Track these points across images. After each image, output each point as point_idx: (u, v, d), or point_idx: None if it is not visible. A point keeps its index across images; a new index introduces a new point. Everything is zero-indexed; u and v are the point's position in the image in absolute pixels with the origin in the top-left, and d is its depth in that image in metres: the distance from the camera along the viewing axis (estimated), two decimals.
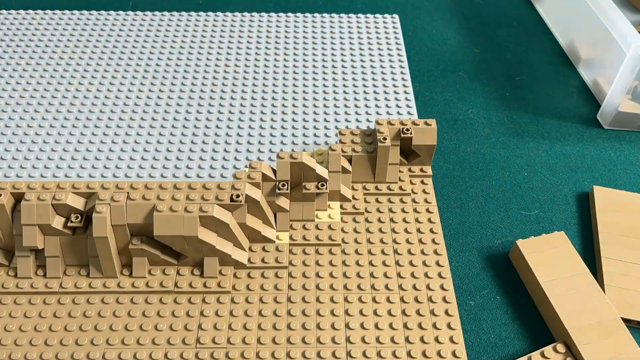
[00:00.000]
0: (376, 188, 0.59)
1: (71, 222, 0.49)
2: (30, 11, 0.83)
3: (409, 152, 0.61)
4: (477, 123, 0.70)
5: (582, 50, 0.78)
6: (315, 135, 0.66)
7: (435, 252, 0.54)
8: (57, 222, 0.49)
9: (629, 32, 0.66)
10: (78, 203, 0.49)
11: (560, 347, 0.47)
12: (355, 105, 0.69)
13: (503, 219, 0.59)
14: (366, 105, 0.70)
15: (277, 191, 0.53)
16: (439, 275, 0.52)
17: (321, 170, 0.55)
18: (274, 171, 0.53)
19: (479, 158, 0.65)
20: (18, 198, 0.49)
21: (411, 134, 0.58)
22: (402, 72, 0.75)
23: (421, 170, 0.61)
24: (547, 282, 0.50)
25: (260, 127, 0.66)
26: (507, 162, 0.65)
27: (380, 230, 0.56)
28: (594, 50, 0.75)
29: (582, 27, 0.77)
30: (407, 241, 0.55)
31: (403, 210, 0.58)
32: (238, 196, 0.49)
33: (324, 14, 0.84)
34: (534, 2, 0.90)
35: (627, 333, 0.47)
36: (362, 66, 0.75)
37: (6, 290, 0.50)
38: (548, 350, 0.47)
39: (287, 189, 0.53)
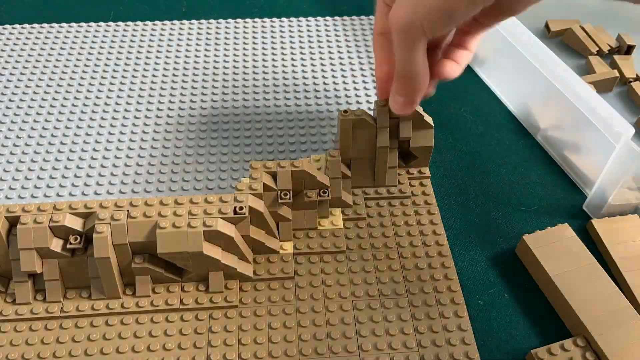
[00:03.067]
0: (376, 192, 0.59)
1: (70, 243, 0.47)
2: (7, 26, 0.80)
3: (406, 154, 0.60)
4: (471, 121, 0.70)
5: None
6: (311, 141, 0.65)
7: (440, 253, 0.54)
8: (56, 245, 0.47)
9: (614, 119, 0.56)
10: (76, 224, 0.48)
11: (581, 341, 0.47)
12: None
13: (504, 216, 0.59)
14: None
15: (280, 200, 0.52)
16: (446, 276, 0.52)
17: (322, 178, 0.54)
18: (275, 180, 0.53)
19: (475, 156, 0.65)
20: (13, 222, 0.48)
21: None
22: None
23: (419, 171, 0.61)
24: (557, 276, 0.51)
25: (256, 135, 0.66)
26: (504, 158, 0.65)
27: (384, 235, 0.55)
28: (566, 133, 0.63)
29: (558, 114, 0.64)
30: (411, 244, 0.55)
31: (404, 213, 0.57)
32: (242, 208, 0.48)
33: (309, 18, 0.84)
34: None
35: None
36: (352, 69, 0.75)
37: (5, 318, 0.48)
38: (567, 343, 0.47)
39: (290, 198, 0.52)
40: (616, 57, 0.76)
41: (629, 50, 0.78)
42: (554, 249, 0.53)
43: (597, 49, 0.77)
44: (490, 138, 0.68)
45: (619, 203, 0.58)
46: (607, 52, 0.78)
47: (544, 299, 0.52)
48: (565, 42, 0.81)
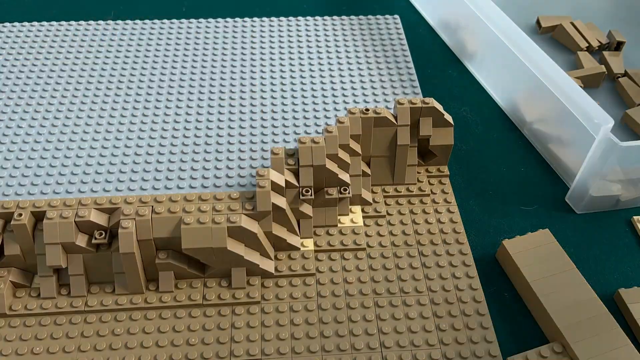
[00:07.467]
0: (395, 190, 0.59)
1: (95, 238, 0.48)
2: (26, 23, 0.81)
3: (425, 153, 0.61)
4: (471, 120, 0.70)
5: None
6: None
7: (460, 251, 0.54)
8: (81, 240, 0.48)
9: (595, 111, 0.55)
10: (101, 219, 0.48)
11: (557, 347, 0.46)
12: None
13: (504, 215, 0.59)
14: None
15: (301, 197, 0.52)
16: (467, 274, 0.52)
17: (343, 175, 0.54)
18: (297, 177, 0.53)
19: (476, 155, 0.65)
20: (39, 217, 0.48)
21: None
22: (409, 73, 0.75)
23: (438, 170, 0.61)
24: (535, 281, 0.50)
25: (273, 133, 0.66)
26: (504, 158, 0.65)
27: (404, 233, 0.55)
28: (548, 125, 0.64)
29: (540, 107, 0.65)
30: (432, 242, 0.55)
31: (424, 211, 0.57)
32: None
33: (326, 17, 0.84)
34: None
35: (617, 327, 0.47)
36: (369, 68, 0.75)
37: (30, 312, 0.48)
38: (544, 349, 0.46)
39: (311, 195, 0.52)
40: (605, 53, 0.75)
41: (618, 46, 0.78)
42: (534, 254, 0.52)
43: (587, 45, 0.77)
44: (490, 137, 0.67)
45: (600, 195, 0.57)
46: (596, 48, 0.77)
47: (522, 304, 0.51)
48: (556, 38, 0.80)
